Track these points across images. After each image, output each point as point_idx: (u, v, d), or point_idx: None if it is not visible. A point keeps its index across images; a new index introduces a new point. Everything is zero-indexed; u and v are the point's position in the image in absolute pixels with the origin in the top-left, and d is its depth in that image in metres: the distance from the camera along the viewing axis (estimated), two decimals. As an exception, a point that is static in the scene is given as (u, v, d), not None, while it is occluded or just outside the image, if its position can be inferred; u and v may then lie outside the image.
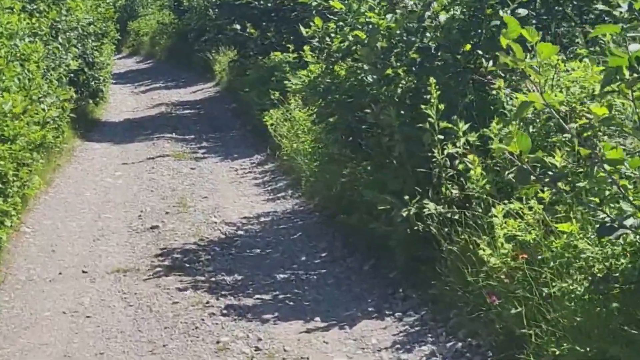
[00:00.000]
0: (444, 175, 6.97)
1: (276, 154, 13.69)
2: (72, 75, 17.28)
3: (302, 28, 9.72)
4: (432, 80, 7.04)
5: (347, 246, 9.09)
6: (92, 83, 19.31)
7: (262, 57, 16.13)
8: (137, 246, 9.63)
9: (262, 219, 10.64)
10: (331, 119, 9.23)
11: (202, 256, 9.13)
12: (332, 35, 9.49)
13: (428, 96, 7.07)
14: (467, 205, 6.65)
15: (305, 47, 11.03)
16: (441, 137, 6.99)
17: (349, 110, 8.74)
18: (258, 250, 9.38)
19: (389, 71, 8.08)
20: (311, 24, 9.55)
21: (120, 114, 20.93)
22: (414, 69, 8.01)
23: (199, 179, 13.10)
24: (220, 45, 24.51)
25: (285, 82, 13.50)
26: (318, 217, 10.47)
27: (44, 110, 10.76)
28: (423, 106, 7.10)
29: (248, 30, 16.13)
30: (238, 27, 16.10)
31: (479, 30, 7.71)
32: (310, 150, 11.01)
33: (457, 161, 6.84)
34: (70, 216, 11.01)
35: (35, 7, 13.68)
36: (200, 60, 26.69)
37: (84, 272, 8.80)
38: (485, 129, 6.63)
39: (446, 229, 6.68)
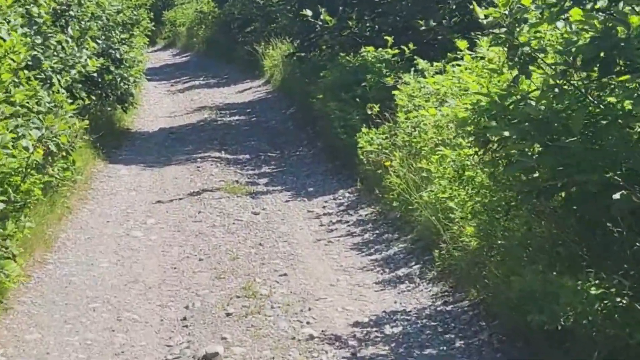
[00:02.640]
0: None
1: (375, 192, 9.09)
2: (94, 75, 12.89)
3: (477, 8, 5.13)
4: None
5: None
6: (121, 84, 14.76)
7: (343, 52, 11.43)
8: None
9: (387, 331, 6.05)
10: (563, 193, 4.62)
11: None
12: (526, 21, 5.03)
13: None
14: None
15: (484, 40, 6.39)
16: None
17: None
18: None
19: None
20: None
21: (154, 121, 16.33)
22: None
23: (267, 235, 8.51)
24: (271, 36, 19.87)
25: (393, 92, 8.94)
26: (486, 331, 5.84)
27: (25, 148, 6.15)
28: None
29: (322, 17, 11.45)
30: (309, 12, 11.41)
31: None
32: (470, 213, 6.28)
33: None
34: (72, 321, 6.43)
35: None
36: (245, 54, 22.10)
37: None
38: None
39: None
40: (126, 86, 15.04)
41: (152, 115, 17.01)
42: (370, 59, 10.09)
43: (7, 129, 5.66)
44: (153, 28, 18.14)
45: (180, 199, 10.10)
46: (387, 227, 8.40)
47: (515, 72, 5.17)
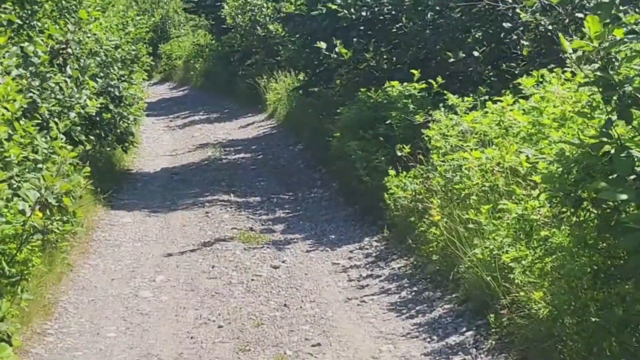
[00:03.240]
0: None
1: (407, 241, 8.16)
2: (93, 114, 11.98)
3: (563, 40, 4.23)
4: None
5: None
6: (120, 123, 13.83)
7: (362, 87, 10.51)
8: None
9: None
10: None
11: None
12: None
13: None
14: None
15: (553, 76, 5.51)
16: None
17: None
18: None
19: None
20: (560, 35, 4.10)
21: (155, 160, 15.39)
22: None
23: (291, 293, 7.56)
24: (274, 69, 19.01)
25: (423, 130, 8.05)
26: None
27: (22, 212, 5.19)
28: None
29: (337, 49, 10.54)
30: (323, 45, 10.50)
31: None
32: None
33: None
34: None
35: (25, 21, 8.17)
36: (246, 87, 21.23)
37: None
38: None
39: None
40: (126, 125, 14.13)
41: (153, 154, 16.08)
42: (395, 94, 9.18)
43: (1, 197, 4.70)
44: (152, 63, 17.23)
45: (191, 250, 9.13)
46: (426, 284, 7.44)
47: (606, 116, 4.26)
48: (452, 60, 9.25)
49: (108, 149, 13.98)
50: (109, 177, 12.83)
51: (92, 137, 13.41)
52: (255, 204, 11.26)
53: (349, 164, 10.23)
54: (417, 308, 6.98)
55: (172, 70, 30.63)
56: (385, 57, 10.84)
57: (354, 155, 9.67)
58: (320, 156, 13.40)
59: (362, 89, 10.01)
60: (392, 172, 8.68)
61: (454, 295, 6.94)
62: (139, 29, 15.62)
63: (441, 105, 8.93)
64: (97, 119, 13.13)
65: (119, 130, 13.81)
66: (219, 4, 24.42)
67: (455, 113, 8.65)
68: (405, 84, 9.25)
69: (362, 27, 11.59)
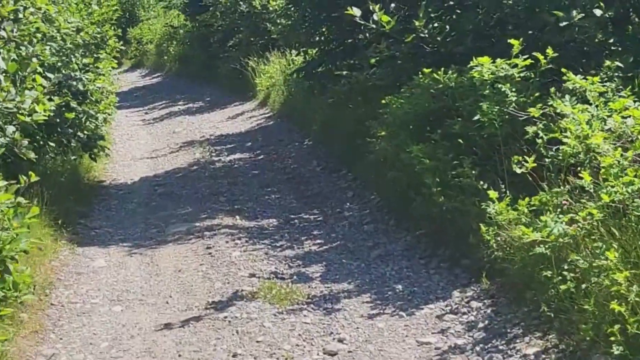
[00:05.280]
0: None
1: (541, 309, 5.03)
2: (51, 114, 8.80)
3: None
4: None
5: None
6: (87, 124, 10.60)
7: (425, 67, 7.29)
8: None
9: None
10: None
11: None
12: None
13: None
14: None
15: None
16: None
17: None
18: None
19: None
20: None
21: (132, 165, 12.12)
22: None
23: (375, 414, 4.40)
24: (266, 49, 15.78)
25: (539, 131, 4.95)
26: None
27: None
28: None
29: (377, 16, 7.30)
30: (357, 12, 7.24)
31: None
32: None
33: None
34: None
35: None
36: (230, 72, 17.95)
37: None
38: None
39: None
40: (94, 126, 10.88)
41: (129, 157, 12.80)
42: (487, 75, 5.98)
43: None
44: (122, 47, 13.88)
45: (195, 319, 5.96)
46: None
47: None
48: (564, 23, 6.07)
49: (73, 157, 10.72)
50: (75, 195, 9.62)
51: (51, 144, 10.21)
52: (271, 230, 8.06)
53: (402, 174, 7.07)
54: None
55: (143, 56, 27.24)
56: (438, 25, 7.59)
57: (418, 164, 6.48)
58: (339, 155, 10.24)
59: (426, 70, 6.80)
60: (492, 194, 5.53)
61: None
62: (107, 8, 12.34)
63: (552, 89, 5.80)
64: (57, 120, 9.94)
65: (85, 134, 10.58)
66: (192, -21, 21.12)
67: (584, 101, 5.55)
68: (498, 60, 6.04)
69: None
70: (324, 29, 10.70)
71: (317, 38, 11.10)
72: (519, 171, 5.30)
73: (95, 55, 11.42)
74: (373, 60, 8.14)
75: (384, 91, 8.15)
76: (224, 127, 14.49)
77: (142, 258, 7.58)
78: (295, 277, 6.64)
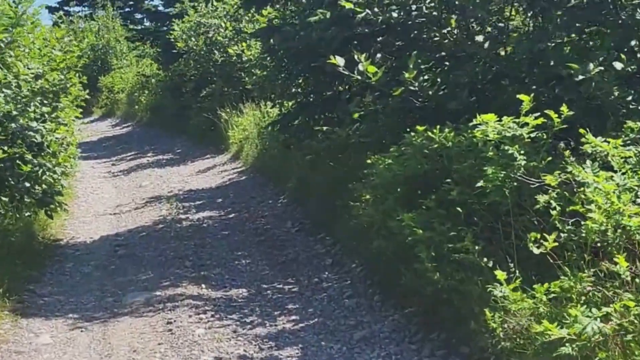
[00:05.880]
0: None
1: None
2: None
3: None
4: None
5: None
6: (43, 177, 9.65)
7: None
8: None
9: None
10: None
11: None
12: None
13: None
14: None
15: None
16: None
17: None
18: None
19: None
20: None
21: (93, 222, 11.12)
22: None
23: None
24: (241, 100, 14.96)
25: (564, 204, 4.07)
26: None
27: None
28: None
29: (363, 66, 6.47)
30: (340, 61, 6.40)
31: None
32: None
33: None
34: None
35: None
36: (202, 123, 17.10)
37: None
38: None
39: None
40: (52, 180, 9.92)
41: (91, 213, 11.80)
42: (492, 135, 5.12)
43: None
44: (87, 96, 12.96)
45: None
46: None
47: None
48: (581, 77, 5.25)
49: (27, 214, 9.75)
50: (25, 256, 8.64)
51: (2, 199, 9.30)
52: (241, 302, 7.11)
53: (390, 243, 6.18)
54: None
55: (114, 105, 26.32)
56: (427, 77, 6.77)
57: (410, 235, 5.58)
58: (317, 216, 9.33)
59: (419, 127, 5.93)
60: (500, 275, 4.65)
61: None
62: (69, 54, 11.44)
63: (567, 153, 4.97)
64: (9, 174, 9.04)
65: (41, 189, 9.63)
66: (165, 28, 20.34)
67: (605, 167, 4.71)
68: (505, 118, 5.19)
69: (384, 36, 7.60)
70: (300, 80, 9.86)
71: (294, 90, 10.25)
72: (536, 251, 4.42)
73: (55, 104, 10.49)
74: (357, 115, 7.27)
75: (367, 149, 7.30)
76: (194, 181, 13.57)
77: (93, 334, 6.59)
78: (267, 363, 5.69)
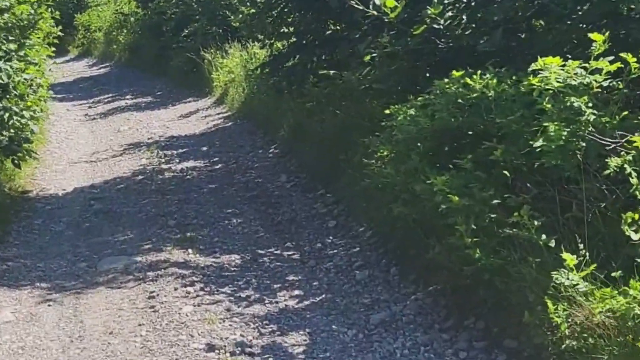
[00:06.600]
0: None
1: None
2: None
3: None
4: None
5: None
6: (10, 123, 8.56)
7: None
8: None
9: None
10: None
11: None
12: None
13: None
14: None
15: None
16: None
17: None
18: None
19: None
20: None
21: (66, 172, 10.02)
22: None
23: None
24: (225, 40, 13.78)
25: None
26: None
27: None
28: None
29: (380, 1, 5.38)
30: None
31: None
32: None
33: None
34: None
35: None
36: (183, 64, 15.88)
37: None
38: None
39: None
40: (19, 126, 8.82)
41: (64, 160, 10.69)
42: (554, 83, 4.07)
43: None
44: (60, 33, 11.74)
45: None
46: None
47: None
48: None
49: (-11, 165, 8.67)
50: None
51: (-37, 147, 8.23)
52: (234, 271, 6.09)
53: (414, 209, 5.15)
54: None
55: (91, 44, 24.93)
56: (456, 16, 5.69)
57: (443, 202, 4.55)
58: (314, 170, 8.29)
59: (455, 72, 4.86)
60: (569, 259, 3.66)
61: None
62: (40, -15, 10.23)
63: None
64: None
65: (6, 134, 8.54)
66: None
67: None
68: (570, 62, 4.13)
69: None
70: (296, 17, 8.73)
71: (288, 28, 9.12)
72: (635, 237, 3.41)
73: (23, 41, 9.31)
74: (368, 57, 6.18)
75: (380, 97, 6.24)
76: (176, 126, 12.44)
77: (62, 310, 5.57)
78: (269, 352, 4.68)
